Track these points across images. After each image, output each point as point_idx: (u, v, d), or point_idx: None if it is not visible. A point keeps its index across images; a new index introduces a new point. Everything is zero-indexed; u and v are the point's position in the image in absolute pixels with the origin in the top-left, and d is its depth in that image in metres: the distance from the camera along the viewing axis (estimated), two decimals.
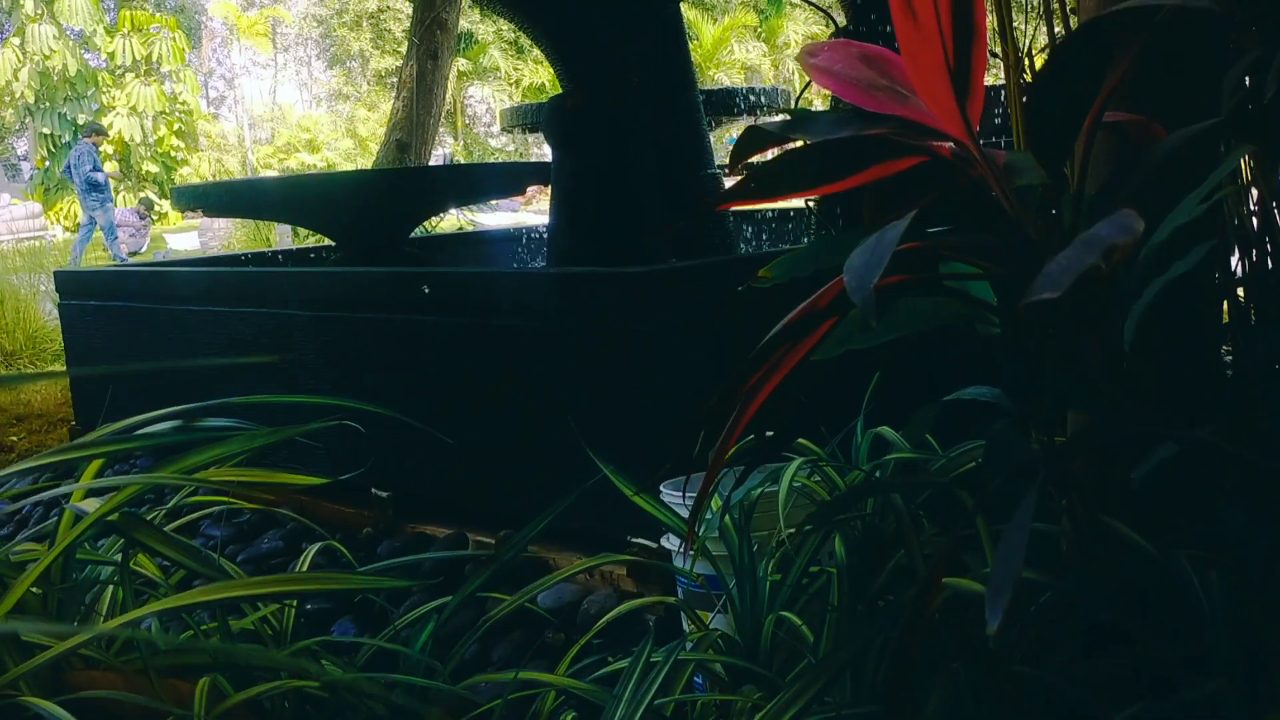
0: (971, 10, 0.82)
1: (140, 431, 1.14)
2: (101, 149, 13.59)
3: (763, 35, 26.07)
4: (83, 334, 3.14)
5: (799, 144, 0.89)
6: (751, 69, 28.21)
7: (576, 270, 1.93)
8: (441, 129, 26.93)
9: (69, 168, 14.10)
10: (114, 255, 13.35)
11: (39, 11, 20.92)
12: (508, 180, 2.94)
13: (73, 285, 3.15)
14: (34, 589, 1.15)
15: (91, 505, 1.16)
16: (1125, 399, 1.14)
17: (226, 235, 15.04)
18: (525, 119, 3.73)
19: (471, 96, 29.90)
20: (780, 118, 0.99)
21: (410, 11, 12.91)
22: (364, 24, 27.83)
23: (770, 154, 1.07)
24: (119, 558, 1.26)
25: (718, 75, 27.16)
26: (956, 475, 1.31)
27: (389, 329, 2.25)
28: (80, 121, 21.57)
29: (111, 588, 1.35)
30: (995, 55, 1.04)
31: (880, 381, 1.38)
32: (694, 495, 1.19)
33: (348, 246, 3.10)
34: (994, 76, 2.09)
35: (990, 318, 1.09)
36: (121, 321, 2.97)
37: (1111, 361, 1.14)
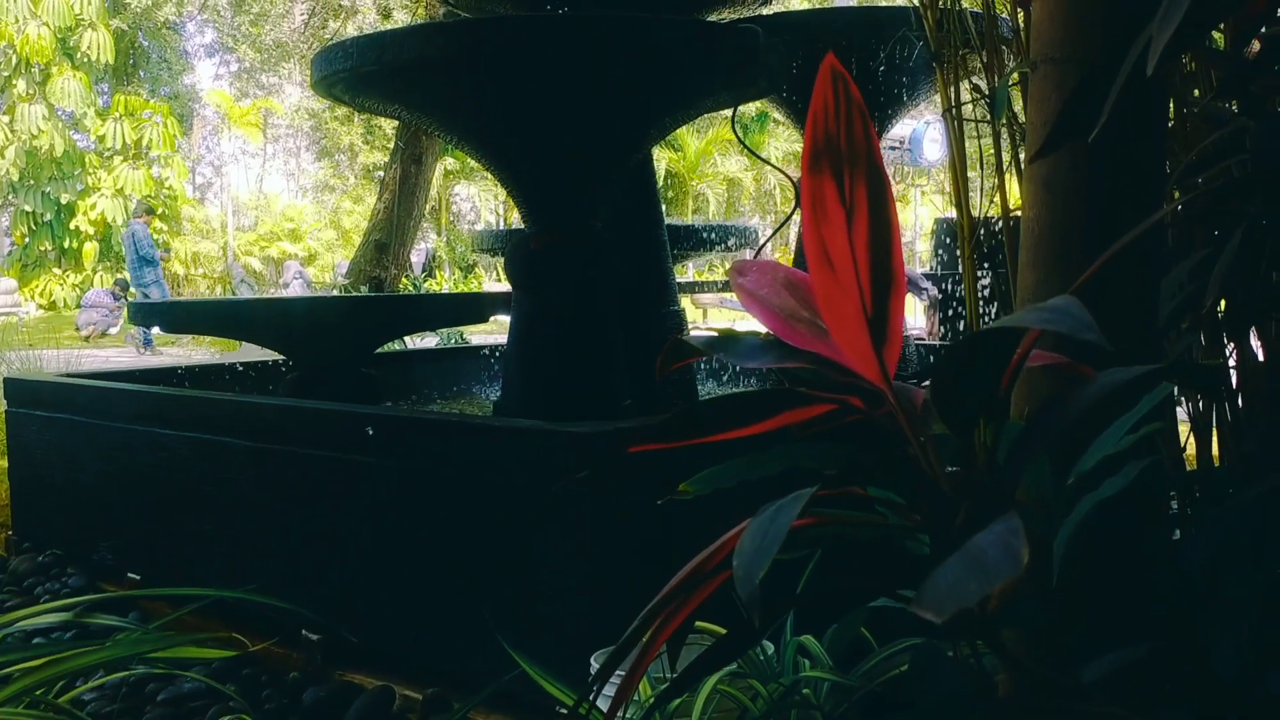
0: (890, 259, 0.81)
1: (34, 628, 1.09)
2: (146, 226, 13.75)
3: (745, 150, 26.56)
4: (27, 443, 3.07)
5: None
6: (733, 181, 28.73)
7: (517, 424, 1.90)
8: (426, 224, 27.19)
9: (128, 247, 14.46)
10: (142, 335, 13.33)
11: (31, 92, 21.12)
12: (472, 310, 2.93)
13: (21, 393, 3.09)
14: None
15: None
16: (1051, 623, 1.11)
17: None
18: (495, 244, 3.74)
19: (458, 195, 30.26)
20: (716, 333, 0.97)
21: None
22: (355, 119, 28.26)
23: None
24: None
25: (700, 186, 27.65)
26: (884, 681, 1.27)
27: (329, 466, 2.21)
28: (63, 200, 21.65)
29: None
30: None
31: (813, 574, 1.34)
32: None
33: (303, 367, 3.07)
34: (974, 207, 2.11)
35: (920, 538, 1.07)
36: (67, 435, 2.91)
37: (1039, 581, 1.11)
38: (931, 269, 8.33)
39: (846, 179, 0.77)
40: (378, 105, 2.44)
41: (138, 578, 2.70)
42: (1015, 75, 1.81)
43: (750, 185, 29.20)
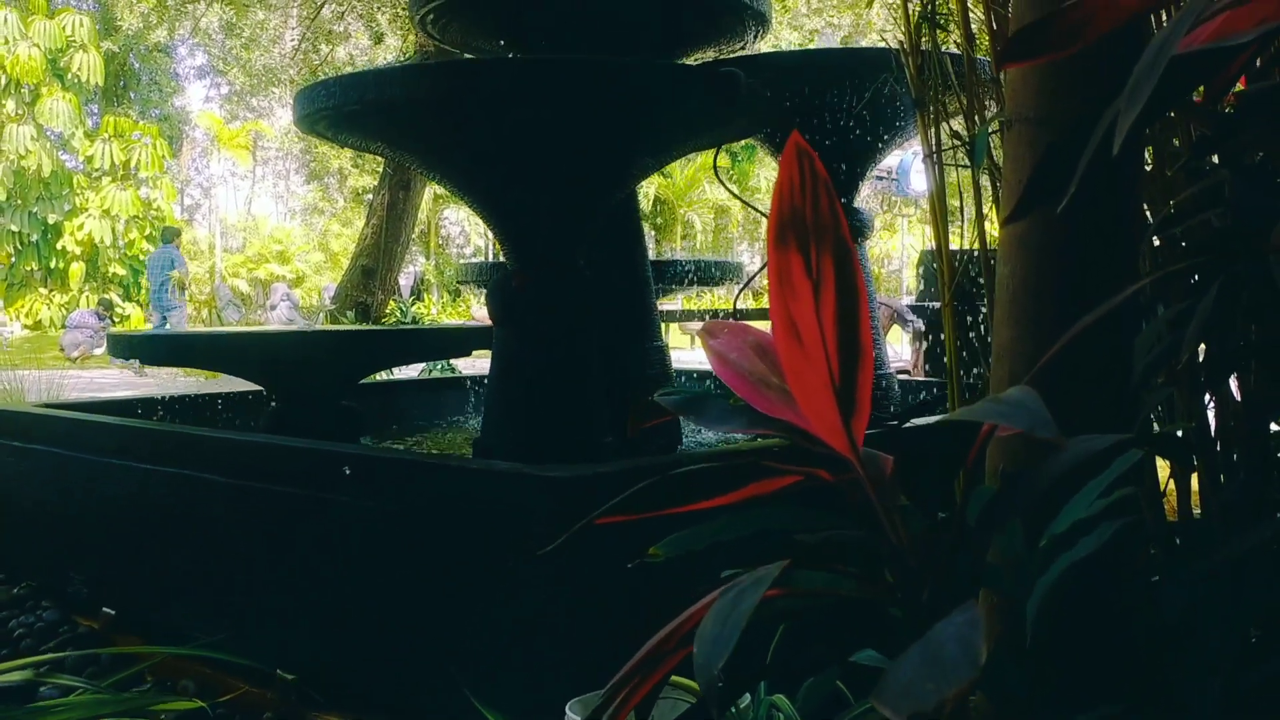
0: (857, 332, 0.81)
1: None
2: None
3: (734, 177, 26.74)
4: (5, 474, 3.04)
5: None
6: (721, 209, 28.84)
7: (493, 467, 1.88)
8: (414, 248, 27.19)
9: (161, 270, 14.96)
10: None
11: (20, 112, 21.10)
12: (453, 345, 2.92)
13: None
14: None
15: None
16: (1026, 685, 1.11)
17: None
18: (479, 276, 3.74)
19: (446, 219, 30.30)
20: (680, 394, 0.97)
21: None
22: None
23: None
24: None
25: (688, 214, 27.74)
26: None
27: (305, 504, 2.19)
28: (50, 221, 21.59)
29: None
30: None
31: (784, 636, 1.33)
32: None
33: (284, 399, 3.05)
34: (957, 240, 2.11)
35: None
36: (43, 466, 2.89)
37: (1011, 643, 1.11)
38: (917, 299, 8.36)
39: (813, 252, 0.77)
40: (359, 142, 2.44)
41: (112, 612, 2.67)
42: (995, 123, 1.82)
43: (738, 212, 29.31)
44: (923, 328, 6.65)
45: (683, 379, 3.88)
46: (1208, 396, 1.59)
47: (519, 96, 2.08)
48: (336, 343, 2.63)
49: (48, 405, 3.17)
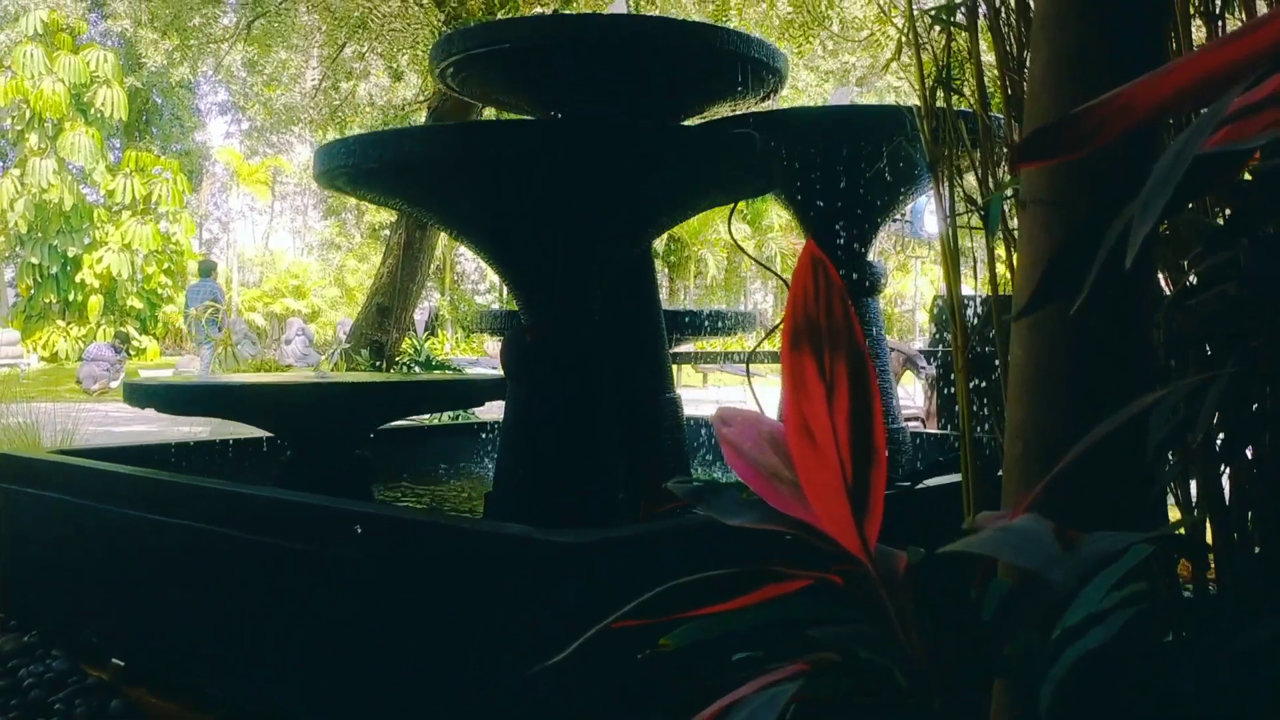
0: (870, 434, 0.81)
1: None
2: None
3: (748, 217, 26.85)
4: (18, 520, 3.05)
5: None
6: (733, 248, 28.89)
7: (503, 530, 1.88)
8: (430, 284, 27.31)
9: (198, 300, 15.40)
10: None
11: (43, 146, 21.36)
12: (465, 396, 2.93)
13: (14, 470, 3.07)
14: None
15: None
16: None
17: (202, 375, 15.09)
18: (495, 324, 3.76)
19: (462, 256, 30.45)
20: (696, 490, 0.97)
21: None
22: None
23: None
24: None
25: (701, 252, 27.81)
26: None
27: (316, 559, 2.19)
28: (70, 254, 21.79)
29: None
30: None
31: None
32: None
33: (297, 448, 3.06)
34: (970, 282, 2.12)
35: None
36: (57, 514, 2.90)
37: None
38: (930, 343, 8.35)
39: (827, 357, 0.77)
40: (378, 198, 2.46)
41: (121, 663, 2.67)
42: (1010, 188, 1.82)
43: (750, 249, 29.38)
44: (935, 374, 6.63)
45: (699, 431, 3.88)
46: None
47: (532, 159, 2.11)
48: (348, 395, 2.64)
49: (62, 452, 3.19)
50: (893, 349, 6.88)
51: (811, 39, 8.37)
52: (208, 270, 16.61)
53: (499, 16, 8.05)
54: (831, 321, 0.76)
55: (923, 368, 6.75)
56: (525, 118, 3.01)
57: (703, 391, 17.24)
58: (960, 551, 0.68)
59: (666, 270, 27.91)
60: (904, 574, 0.85)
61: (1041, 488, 0.74)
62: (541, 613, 1.75)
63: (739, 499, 0.95)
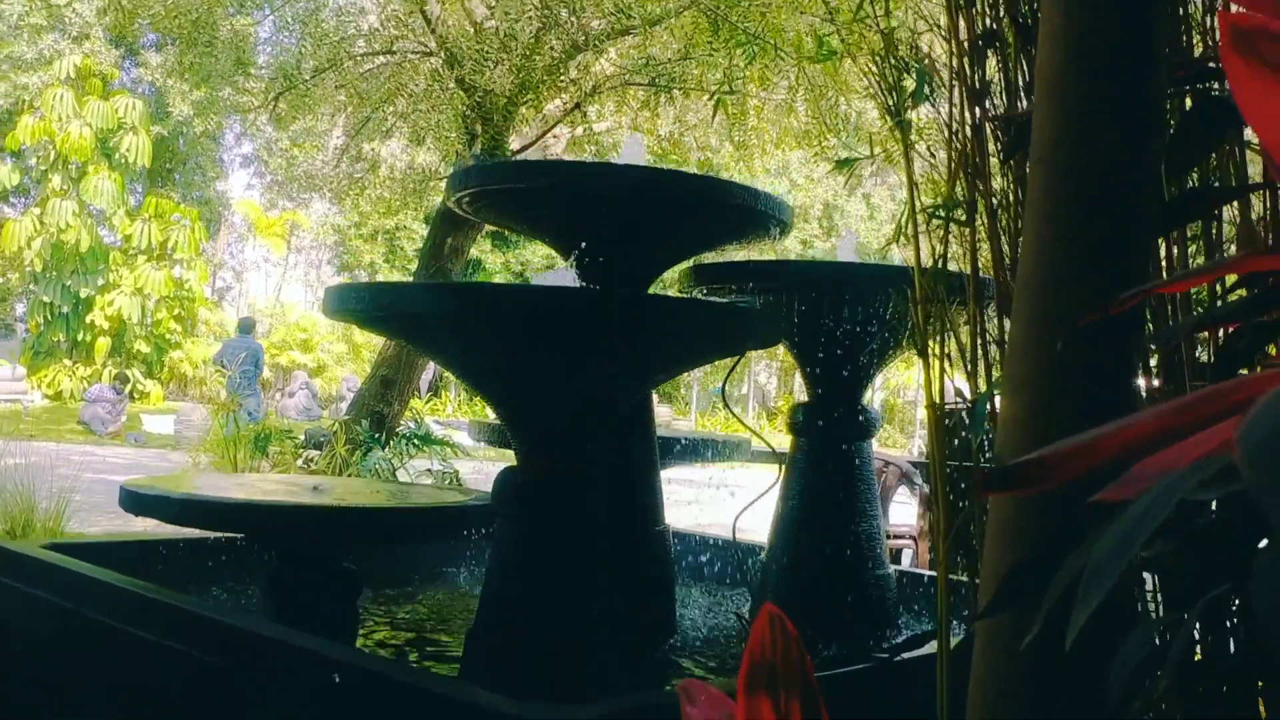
0: None
1: None
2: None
3: None
4: (5, 615, 3.07)
5: None
6: None
7: (478, 700, 1.90)
8: None
9: (242, 359, 15.65)
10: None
11: (65, 188, 21.63)
12: (449, 526, 2.99)
13: (6, 562, 3.10)
14: None
15: None
16: None
17: (204, 425, 15.08)
18: (494, 438, 3.80)
19: None
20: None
21: (424, 234, 13.54)
22: (379, 238, 28.89)
23: None
24: None
25: None
26: None
27: (297, 693, 2.21)
28: (83, 294, 21.97)
29: None
30: None
31: None
32: None
33: (285, 559, 3.09)
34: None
35: None
36: (42, 613, 2.92)
37: None
38: (927, 453, 8.34)
39: (782, 698, 0.81)
40: (383, 335, 2.53)
41: None
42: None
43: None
44: (928, 491, 6.64)
45: (685, 554, 3.89)
46: None
47: (519, 321, 2.18)
48: (323, 520, 2.73)
49: (55, 546, 3.22)
50: (889, 463, 6.87)
51: (826, 148, 8.65)
52: (248, 328, 16.91)
53: (520, 109, 8.22)
54: (788, 664, 0.80)
55: (918, 485, 6.75)
56: (521, 284, 3.09)
57: (699, 471, 17.17)
58: None
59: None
60: None
61: None
62: None
63: None
